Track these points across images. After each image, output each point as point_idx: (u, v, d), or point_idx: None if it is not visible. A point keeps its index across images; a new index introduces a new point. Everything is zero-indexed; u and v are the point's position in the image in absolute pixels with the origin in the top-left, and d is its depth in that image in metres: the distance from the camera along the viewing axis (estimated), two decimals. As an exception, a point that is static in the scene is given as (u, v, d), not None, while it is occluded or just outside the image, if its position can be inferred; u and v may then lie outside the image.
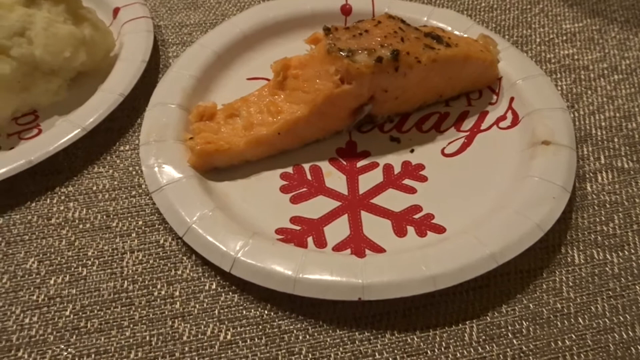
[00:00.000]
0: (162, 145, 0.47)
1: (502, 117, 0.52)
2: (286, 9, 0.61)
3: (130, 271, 0.42)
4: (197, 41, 0.57)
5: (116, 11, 0.60)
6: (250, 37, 0.58)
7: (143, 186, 0.48)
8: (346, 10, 0.61)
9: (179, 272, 0.42)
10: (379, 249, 0.42)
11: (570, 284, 0.42)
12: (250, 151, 0.47)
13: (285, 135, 0.48)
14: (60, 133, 0.48)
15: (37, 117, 0.52)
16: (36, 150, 0.46)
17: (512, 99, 0.53)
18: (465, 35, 0.56)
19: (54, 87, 0.52)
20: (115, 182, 0.48)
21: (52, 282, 0.41)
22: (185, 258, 0.43)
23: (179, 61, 0.54)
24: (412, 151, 0.50)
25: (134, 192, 0.47)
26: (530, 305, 0.40)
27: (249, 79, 0.56)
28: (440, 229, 0.44)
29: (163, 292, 0.41)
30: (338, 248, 0.42)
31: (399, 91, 0.49)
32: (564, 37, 0.63)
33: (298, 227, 0.44)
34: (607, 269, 0.43)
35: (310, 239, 0.43)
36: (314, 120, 0.48)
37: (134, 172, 0.49)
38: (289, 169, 0.48)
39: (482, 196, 0.46)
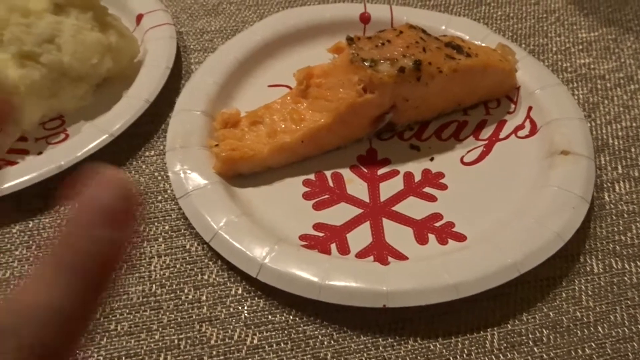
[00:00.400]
0: (187, 151, 0.48)
1: (521, 126, 0.53)
2: (306, 17, 0.62)
3: (158, 275, 0.43)
4: (219, 48, 0.58)
5: (139, 18, 0.61)
6: (271, 45, 0.59)
7: (169, 191, 0.49)
8: (365, 19, 0.62)
9: (205, 277, 0.43)
10: (402, 256, 0.43)
11: (590, 292, 0.42)
12: (274, 158, 0.48)
13: (307, 143, 0.49)
14: (88, 138, 0.49)
15: (63, 122, 0.53)
16: (65, 155, 0.47)
17: (530, 108, 0.54)
18: (484, 45, 0.57)
19: (81, 93, 0.53)
20: (142, 187, 0.49)
21: (82, 285, 0.42)
22: (211, 263, 0.44)
23: (201, 68, 0.55)
24: (431, 159, 0.51)
25: (159, 197, 0.48)
26: (550, 313, 0.41)
27: (270, 85, 0.57)
28: (461, 237, 0.44)
29: (190, 297, 0.42)
30: (361, 255, 0.43)
31: (419, 100, 0.50)
32: (580, 46, 0.63)
33: (321, 234, 0.45)
34: (625, 278, 0.43)
35: (333, 246, 0.44)
36: (336, 129, 0.49)
37: (159, 178, 0.50)
38: (311, 176, 0.49)
39: (501, 205, 0.46)
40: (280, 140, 0.48)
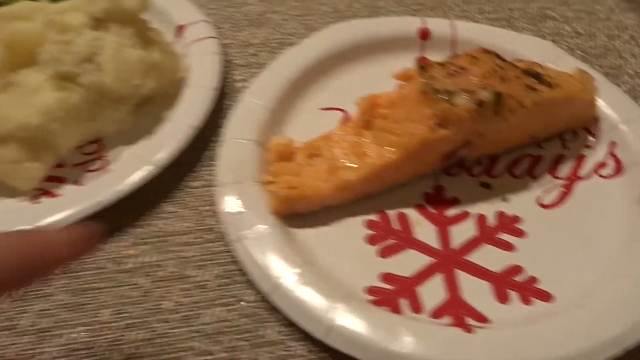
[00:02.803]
0: (239, 187, 0.43)
1: (602, 164, 0.48)
2: (360, 32, 0.57)
3: (210, 330, 0.39)
4: (268, 67, 0.53)
5: (179, 29, 0.57)
6: (324, 63, 0.54)
7: (215, 229, 0.44)
8: (424, 34, 0.57)
9: (260, 334, 0.39)
10: (482, 318, 0.39)
11: (695, 366, 0.38)
12: (334, 197, 0.44)
13: (371, 181, 0.44)
14: (130, 169, 0.44)
15: (101, 147, 0.49)
16: (105, 188, 0.43)
17: (613, 144, 0.48)
18: (559, 69, 0.52)
19: (121, 115, 0.48)
20: (187, 224, 0.44)
21: (132, 336, 0.38)
22: (270, 318, 0.39)
23: (251, 89, 0.51)
24: (505, 200, 0.46)
25: (207, 237, 0.44)
26: (653, 390, 0.37)
27: (322, 109, 0.52)
28: (547, 296, 0.40)
29: (244, 356, 0.38)
30: (436, 314, 0.39)
31: (495, 135, 0.45)
32: (659, 70, 0.58)
33: (390, 287, 0.40)
34: None
35: (404, 302, 0.40)
36: (403, 166, 0.44)
37: (204, 213, 0.45)
38: (373, 217, 0.45)
39: (589, 259, 0.42)
40: (343, 178, 0.43)
